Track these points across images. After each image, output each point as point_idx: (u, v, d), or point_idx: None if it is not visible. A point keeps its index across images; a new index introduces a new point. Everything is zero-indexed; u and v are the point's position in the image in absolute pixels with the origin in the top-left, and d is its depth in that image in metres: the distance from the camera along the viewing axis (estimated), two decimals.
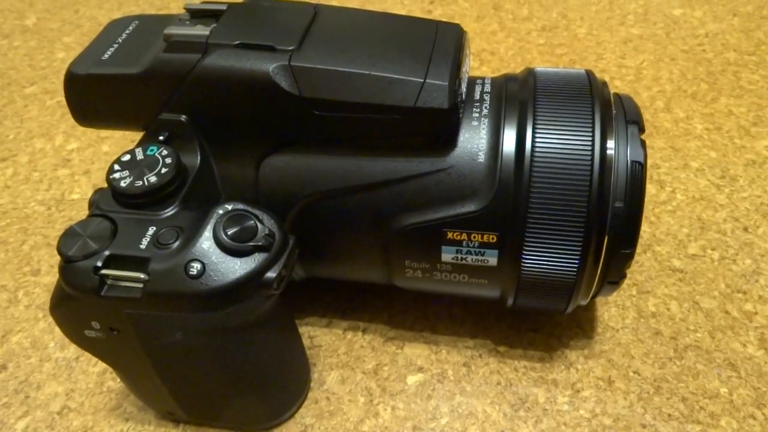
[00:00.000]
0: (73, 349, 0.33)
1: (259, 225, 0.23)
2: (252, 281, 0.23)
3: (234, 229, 0.23)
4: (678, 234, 0.37)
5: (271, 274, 0.23)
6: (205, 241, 0.23)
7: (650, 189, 0.40)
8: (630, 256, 0.26)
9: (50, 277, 0.37)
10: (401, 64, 0.25)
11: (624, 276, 0.27)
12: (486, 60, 0.52)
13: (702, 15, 0.56)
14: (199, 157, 0.26)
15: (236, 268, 0.23)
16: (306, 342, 0.32)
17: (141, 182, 0.24)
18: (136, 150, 0.25)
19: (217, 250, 0.23)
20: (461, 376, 0.31)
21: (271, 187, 0.27)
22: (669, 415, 0.29)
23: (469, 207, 0.26)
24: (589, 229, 0.25)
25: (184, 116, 0.26)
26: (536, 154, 0.25)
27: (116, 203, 0.24)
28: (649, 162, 0.42)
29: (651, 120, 0.45)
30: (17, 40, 0.59)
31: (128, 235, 0.23)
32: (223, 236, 0.23)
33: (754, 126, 0.44)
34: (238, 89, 0.25)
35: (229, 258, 0.23)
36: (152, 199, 0.24)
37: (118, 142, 0.46)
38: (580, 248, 0.26)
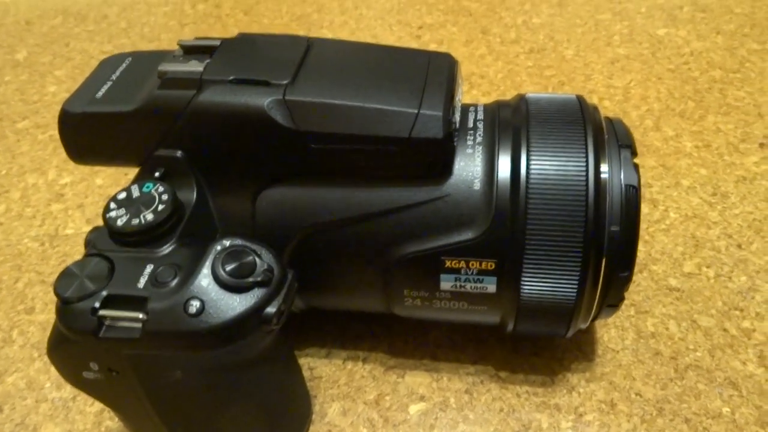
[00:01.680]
0: (69, 389, 0.33)
1: (257, 260, 0.23)
2: (252, 317, 0.23)
3: (233, 265, 0.23)
4: (673, 252, 0.38)
5: (270, 309, 0.23)
6: (204, 279, 0.23)
7: (643, 208, 0.40)
8: (628, 279, 0.26)
9: (45, 314, 0.37)
10: (395, 95, 0.25)
11: (623, 299, 0.27)
12: (476, 83, 0.53)
13: (686, 34, 0.57)
14: (195, 193, 0.26)
15: (236, 304, 0.23)
16: (306, 374, 0.32)
17: (137, 220, 0.24)
18: (132, 187, 0.25)
19: (216, 287, 0.23)
20: (464, 404, 0.31)
21: (268, 221, 0.27)
22: None
23: (467, 235, 0.26)
24: (587, 253, 0.25)
25: (179, 152, 0.26)
26: (531, 181, 0.25)
27: (113, 242, 0.24)
28: (641, 181, 0.42)
29: (641, 139, 0.46)
30: (8, 75, 0.60)
31: (126, 274, 0.23)
32: (222, 273, 0.23)
33: (743, 142, 0.45)
34: (233, 124, 0.25)
35: (228, 294, 0.23)
36: (149, 237, 0.24)
37: (112, 175, 0.46)
38: (578, 273, 0.26)
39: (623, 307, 0.35)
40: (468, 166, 0.26)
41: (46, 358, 0.34)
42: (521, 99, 0.29)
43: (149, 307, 0.22)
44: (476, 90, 0.52)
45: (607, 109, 0.49)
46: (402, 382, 0.32)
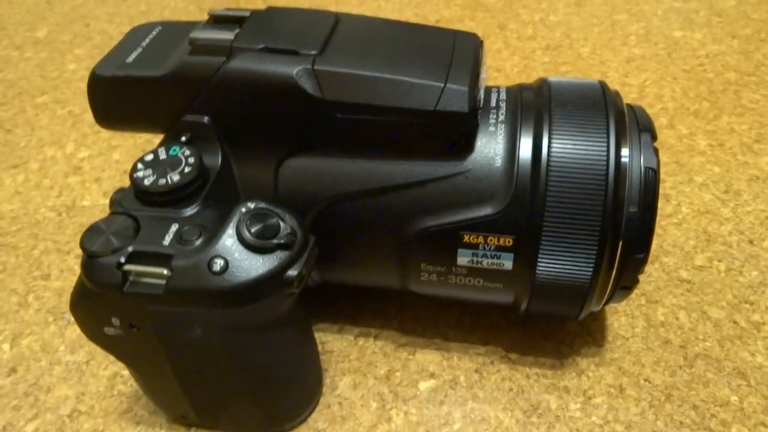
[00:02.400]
0: (83, 353, 0.33)
1: (281, 223, 0.24)
2: (274, 278, 0.23)
3: (257, 227, 0.23)
4: (685, 246, 0.38)
5: (292, 272, 0.23)
6: (228, 238, 0.23)
7: None
8: (644, 261, 0.26)
9: (60, 281, 0.37)
10: (422, 69, 0.26)
11: (637, 281, 0.28)
12: (492, 77, 0.53)
13: (702, 37, 0.57)
14: (220, 158, 0.27)
15: (259, 265, 0.23)
16: (318, 347, 0.32)
17: (164, 181, 0.24)
18: (159, 150, 0.26)
19: (240, 247, 0.23)
20: (473, 383, 0.31)
21: (290, 189, 0.27)
22: (681, 423, 0.29)
23: (486, 210, 0.26)
24: (604, 233, 0.26)
25: (206, 118, 0.27)
26: (552, 160, 0.26)
27: (139, 201, 0.25)
28: None
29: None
30: (28, 52, 0.60)
31: (151, 232, 0.24)
32: (247, 233, 0.23)
33: (757, 143, 0.45)
34: (261, 92, 0.26)
35: (252, 255, 0.23)
36: (174, 198, 0.24)
37: (129, 150, 0.47)
38: (594, 253, 0.26)
39: (634, 296, 0.35)
40: (490, 144, 0.27)
41: (60, 323, 0.35)
42: (543, 82, 0.29)
43: (174, 264, 0.23)
44: (492, 83, 0.52)
45: None
46: (413, 359, 0.32)
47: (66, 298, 0.36)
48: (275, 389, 0.27)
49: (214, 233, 0.23)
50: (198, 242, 0.23)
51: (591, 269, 0.26)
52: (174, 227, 0.24)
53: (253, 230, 0.23)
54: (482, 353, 0.32)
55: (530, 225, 0.26)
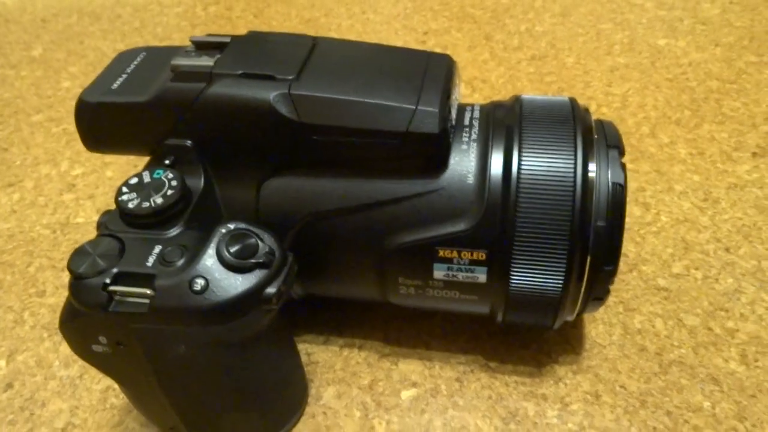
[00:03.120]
0: (76, 368, 0.34)
1: (260, 243, 0.25)
2: (253, 296, 0.24)
3: (236, 247, 0.24)
4: (662, 254, 0.39)
5: (271, 290, 0.24)
6: (209, 258, 0.24)
7: (635, 211, 0.42)
8: (612, 273, 0.27)
9: (55, 298, 0.38)
10: (395, 91, 0.27)
11: (608, 292, 0.29)
12: (478, 87, 0.54)
13: (685, 45, 0.58)
14: (203, 180, 0.28)
15: (238, 283, 0.24)
16: (303, 358, 0.33)
17: (148, 203, 0.25)
18: (144, 173, 0.27)
19: (220, 267, 0.24)
20: (454, 391, 0.32)
21: (271, 208, 0.28)
22: (654, 428, 0.30)
23: (460, 226, 0.27)
24: (573, 246, 0.27)
25: (189, 141, 0.28)
26: (522, 176, 0.27)
27: (124, 224, 0.26)
28: (635, 185, 0.44)
29: (636, 145, 0.47)
30: (24, 70, 0.61)
31: (135, 253, 0.25)
32: (226, 253, 0.24)
33: (735, 151, 0.46)
34: (240, 116, 0.27)
35: (231, 274, 0.24)
36: (158, 220, 0.26)
37: (122, 167, 0.48)
38: (564, 265, 0.27)
39: (611, 303, 0.36)
40: (463, 161, 0.28)
41: (55, 338, 0.36)
42: (516, 100, 0.30)
43: (157, 284, 0.24)
44: (478, 94, 0.53)
45: (605, 115, 0.50)
46: (396, 369, 0.33)
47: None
48: (260, 402, 0.28)
49: (195, 253, 0.24)
50: (180, 263, 0.24)
51: (561, 281, 0.27)
52: (157, 248, 0.25)
53: (232, 250, 0.24)
54: (463, 362, 0.33)
55: (502, 239, 0.27)
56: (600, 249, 0.27)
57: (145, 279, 0.24)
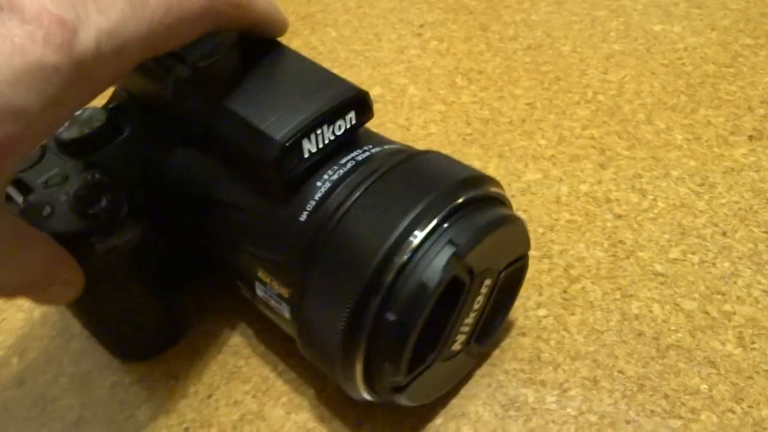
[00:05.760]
0: (86, 364, 0.35)
1: (104, 200, 0.27)
2: (78, 240, 0.26)
3: (83, 193, 0.27)
4: (660, 240, 0.39)
5: (96, 241, 0.27)
6: (64, 195, 0.27)
7: (633, 198, 0.42)
8: (395, 372, 0.25)
9: None
10: (266, 109, 0.26)
11: (400, 389, 0.27)
12: (474, 79, 0.54)
13: (681, 30, 0.58)
14: (128, 131, 0.30)
15: (69, 223, 0.26)
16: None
17: (69, 133, 0.29)
18: (86, 109, 0.30)
19: (66, 204, 0.27)
20: None
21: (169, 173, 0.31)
22: (652, 411, 0.31)
23: (276, 256, 0.27)
24: (353, 328, 0.24)
25: (125, 92, 0.32)
26: (339, 228, 0.25)
27: (57, 146, 0.29)
28: (631, 172, 0.44)
29: (633, 132, 0.47)
30: None
31: (41, 169, 0.28)
32: (74, 195, 0.27)
33: (732, 135, 0.46)
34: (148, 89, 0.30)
35: (70, 214, 0.27)
36: (74, 149, 0.29)
37: None
38: (340, 338, 0.25)
39: (609, 290, 0.36)
40: (306, 197, 0.27)
41: (65, 336, 0.37)
42: (418, 154, 0.28)
43: (29, 197, 0.27)
44: (474, 86, 0.54)
45: (601, 103, 0.50)
46: None
47: (68, 313, 0.38)
48: (112, 332, 0.33)
49: (61, 186, 0.27)
50: (53, 189, 0.27)
51: (335, 358, 0.25)
52: (55, 171, 0.28)
53: (79, 194, 0.27)
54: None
55: (302, 286, 0.26)
56: (384, 343, 0.24)
57: (25, 189, 0.27)
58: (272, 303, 0.28)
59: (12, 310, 0.39)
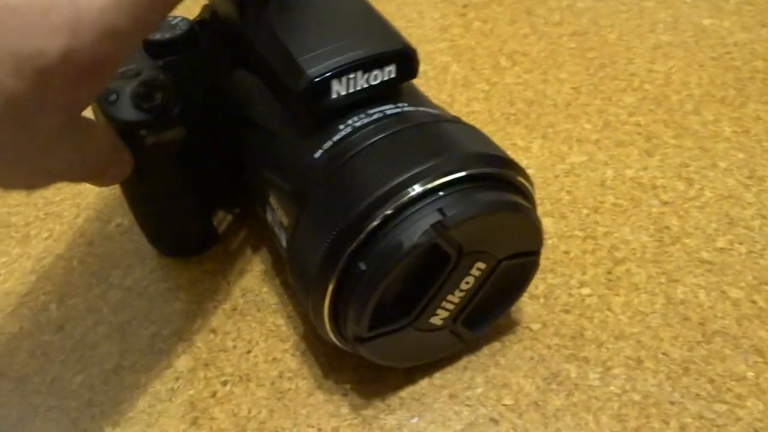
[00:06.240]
0: (125, 314, 0.35)
1: (160, 96, 0.28)
2: (134, 128, 0.29)
3: (143, 89, 0.28)
4: (706, 228, 0.39)
5: (146, 133, 0.29)
6: (128, 86, 0.29)
7: (679, 186, 0.41)
8: (358, 319, 0.25)
9: (102, 248, 0.39)
10: (309, 43, 0.27)
11: (361, 341, 0.26)
12: (518, 61, 0.54)
13: (730, 25, 0.57)
14: (203, 45, 0.32)
15: (130, 113, 0.28)
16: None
17: (157, 37, 0.30)
18: (177, 18, 0.31)
19: (128, 95, 0.28)
20: (495, 351, 0.32)
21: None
22: (697, 395, 0.30)
23: (285, 185, 0.28)
24: (329, 263, 0.25)
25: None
26: (346, 166, 0.26)
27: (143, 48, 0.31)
28: (678, 160, 0.43)
29: (680, 122, 0.47)
30: None
31: (129, 63, 0.30)
32: (135, 88, 0.28)
33: None
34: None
35: (130, 105, 0.28)
36: (158, 51, 0.30)
37: None
38: (317, 270, 0.25)
39: (654, 274, 0.36)
40: (326, 135, 0.27)
41: (103, 286, 0.37)
42: (449, 120, 0.28)
43: (112, 85, 0.29)
44: (518, 67, 0.53)
45: (648, 92, 0.50)
46: None
47: (108, 263, 0.38)
48: (154, 224, 0.36)
49: (134, 79, 0.29)
50: (124, 80, 0.29)
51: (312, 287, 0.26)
52: (132, 66, 0.29)
53: (139, 89, 0.28)
54: (503, 324, 0.34)
55: (297, 217, 0.27)
56: (350, 289, 0.24)
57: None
58: (276, 230, 0.29)
59: (52, 258, 0.39)
